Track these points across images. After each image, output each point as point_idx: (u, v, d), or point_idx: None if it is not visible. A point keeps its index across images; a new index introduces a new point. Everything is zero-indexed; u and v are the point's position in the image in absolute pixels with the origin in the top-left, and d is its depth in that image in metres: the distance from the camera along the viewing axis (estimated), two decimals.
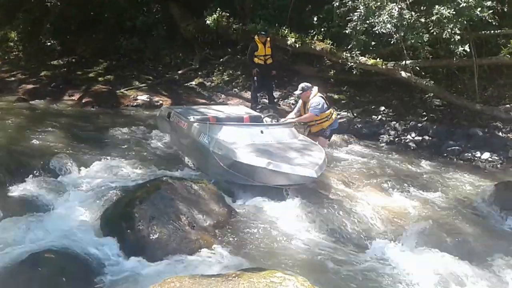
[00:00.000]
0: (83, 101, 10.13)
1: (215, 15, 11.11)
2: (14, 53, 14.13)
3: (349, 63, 8.90)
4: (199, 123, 6.21)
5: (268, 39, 9.26)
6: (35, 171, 5.50)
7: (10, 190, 5.08)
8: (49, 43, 13.89)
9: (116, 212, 4.42)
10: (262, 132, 5.84)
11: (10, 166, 5.46)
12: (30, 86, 10.93)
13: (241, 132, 5.81)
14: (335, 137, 8.05)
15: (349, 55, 8.95)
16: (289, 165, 5.07)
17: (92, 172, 5.82)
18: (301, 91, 6.53)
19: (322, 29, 10.24)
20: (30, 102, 9.94)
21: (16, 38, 14.34)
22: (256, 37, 9.29)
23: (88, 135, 7.53)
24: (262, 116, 7.09)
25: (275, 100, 9.97)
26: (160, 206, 4.35)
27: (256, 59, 9.26)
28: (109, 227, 4.28)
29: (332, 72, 10.50)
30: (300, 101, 6.74)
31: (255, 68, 9.32)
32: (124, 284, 3.64)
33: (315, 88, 6.59)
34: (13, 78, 11.63)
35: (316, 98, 6.48)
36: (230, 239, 4.35)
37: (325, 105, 6.52)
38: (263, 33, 9.13)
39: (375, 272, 3.92)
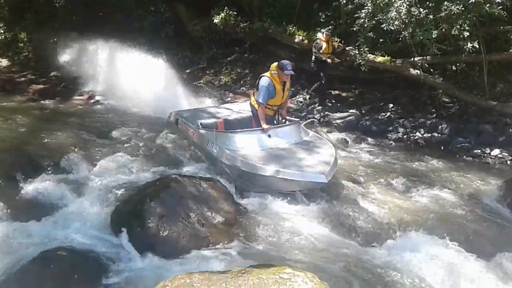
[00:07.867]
0: (93, 100, 10.22)
1: (222, 14, 11.12)
2: (24, 54, 14.23)
3: (357, 60, 8.86)
4: (206, 131, 6.14)
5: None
6: (46, 170, 5.59)
7: (22, 189, 5.16)
8: None
9: (126, 210, 4.46)
10: (269, 136, 5.67)
11: (22, 165, 5.53)
12: (40, 86, 11.07)
13: (248, 138, 5.63)
14: (343, 135, 8.06)
15: (357, 52, 8.92)
16: (298, 171, 4.95)
17: (103, 170, 5.89)
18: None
19: (330, 27, 10.20)
20: (40, 102, 10.05)
21: (25, 39, 14.43)
22: (319, 34, 9.44)
23: (98, 134, 7.59)
24: None
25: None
26: (170, 203, 4.40)
27: (323, 56, 9.37)
28: (120, 224, 4.32)
29: (340, 70, 10.45)
30: None
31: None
32: (134, 280, 3.68)
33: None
34: (23, 79, 11.77)
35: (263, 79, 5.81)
36: (239, 236, 4.37)
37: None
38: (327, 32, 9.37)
39: (384, 269, 3.90)
